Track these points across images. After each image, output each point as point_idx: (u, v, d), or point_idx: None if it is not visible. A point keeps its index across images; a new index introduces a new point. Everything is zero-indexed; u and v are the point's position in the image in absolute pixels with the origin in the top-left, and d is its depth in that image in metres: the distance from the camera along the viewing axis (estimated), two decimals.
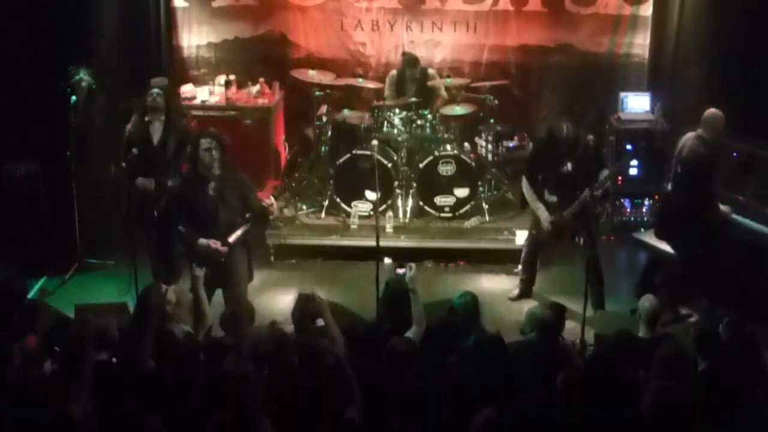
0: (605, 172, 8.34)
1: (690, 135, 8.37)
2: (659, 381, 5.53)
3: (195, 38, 11.60)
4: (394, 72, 10.44)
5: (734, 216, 8.78)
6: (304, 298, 6.69)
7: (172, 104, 8.75)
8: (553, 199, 8.42)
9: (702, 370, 5.95)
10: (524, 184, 8.58)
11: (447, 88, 10.43)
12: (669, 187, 8.66)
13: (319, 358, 5.64)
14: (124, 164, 8.46)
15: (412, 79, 10.31)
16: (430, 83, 10.29)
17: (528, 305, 8.61)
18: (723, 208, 8.70)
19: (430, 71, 10.50)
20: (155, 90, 8.51)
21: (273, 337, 6.08)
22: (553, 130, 8.29)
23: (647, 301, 6.91)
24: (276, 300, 8.73)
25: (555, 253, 8.96)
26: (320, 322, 6.55)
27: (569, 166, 8.27)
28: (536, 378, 5.66)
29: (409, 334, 6.32)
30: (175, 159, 8.46)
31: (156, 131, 8.44)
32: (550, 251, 8.90)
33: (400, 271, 6.72)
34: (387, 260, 9.19)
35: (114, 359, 6.06)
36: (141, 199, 8.44)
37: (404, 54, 10.60)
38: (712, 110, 8.37)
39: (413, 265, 6.68)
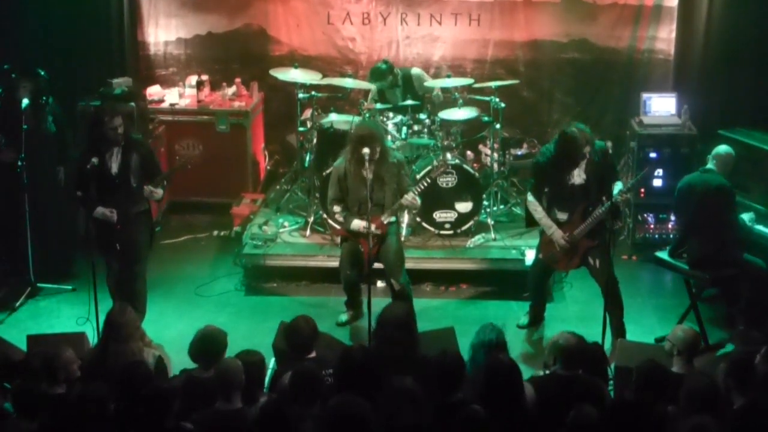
0: (618, 186, 8.22)
1: (694, 174, 8.49)
2: (694, 417, 5.49)
3: (162, 33, 11.64)
4: (373, 87, 10.31)
5: (757, 226, 8.87)
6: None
7: (131, 127, 8.59)
8: (563, 217, 8.32)
9: (738, 407, 5.87)
10: (530, 200, 8.46)
11: (446, 90, 10.35)
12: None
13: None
14: (79, 193, 8.22)
15: (391, 86, 10.25)
16: (426, 83, 10.26)
17: (539, 334, 8.71)
18: (745, 216, 8.79)
19: (414, 71, 10.41)
20: (116, 120, 8.07)
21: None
22: (563, 138, 8.12)
23: (682, 331, 6.81)
24: (255, 329, 8.63)
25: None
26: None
27: (581, 178, 8.16)
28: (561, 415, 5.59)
29: None
30: (140, 186, 8.18)
31: (114, 159, 8.16)
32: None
33: None
34: (380, 283, 9.17)
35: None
36: (101, 230, 8.22)
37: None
38: (724, 146, 8.49)
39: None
